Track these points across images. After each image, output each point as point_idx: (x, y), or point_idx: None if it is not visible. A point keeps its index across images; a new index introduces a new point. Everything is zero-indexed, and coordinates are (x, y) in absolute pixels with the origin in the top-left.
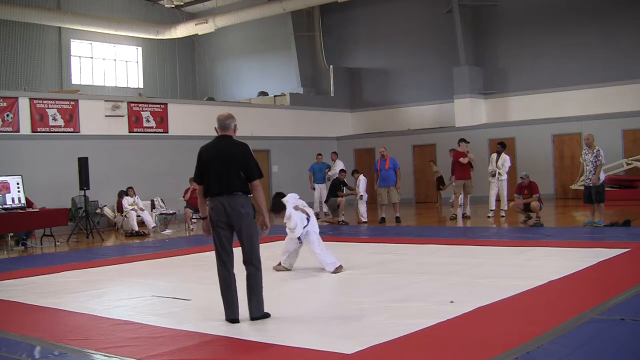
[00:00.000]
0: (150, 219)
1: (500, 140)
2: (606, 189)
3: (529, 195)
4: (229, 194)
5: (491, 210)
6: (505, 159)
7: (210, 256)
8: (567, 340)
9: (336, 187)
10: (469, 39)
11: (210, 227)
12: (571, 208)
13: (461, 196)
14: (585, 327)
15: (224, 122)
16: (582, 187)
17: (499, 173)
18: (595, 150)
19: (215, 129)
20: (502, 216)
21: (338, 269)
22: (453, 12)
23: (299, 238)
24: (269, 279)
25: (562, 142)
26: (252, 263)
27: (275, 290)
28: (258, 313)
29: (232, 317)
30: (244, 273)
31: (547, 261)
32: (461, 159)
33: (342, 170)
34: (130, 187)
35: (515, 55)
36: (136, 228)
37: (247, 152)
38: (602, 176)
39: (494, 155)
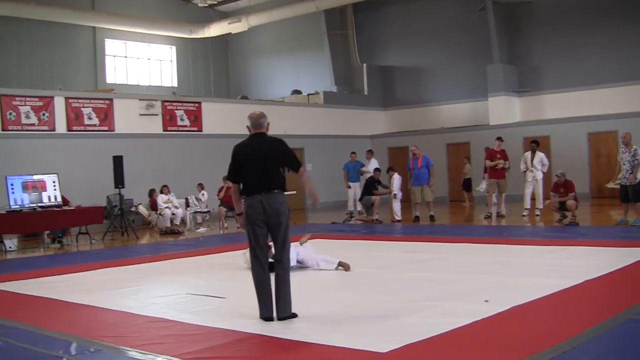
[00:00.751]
0: (181, 217)
1: (535, 138)
2: None
3: (565, 194)
4: (267, 191)
5: (526, 209)
6: (541, 156)
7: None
8: (602, 340)
9: (371, 185)
10: (502, 36)
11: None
12: (607, 207)
13: (495, 195)
14: (621, 328)
15: (258, 121)
16: (619, 186)
17: (533, 171)
18: (632, 150)
19: (248, 127)
20: (537, 215)
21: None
22: (486, 9)
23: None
24: (302, 278)
25: (597, 141)
26: (282, 262)
27: (309, 289)
28: (286, 313)
29: (267, 315)
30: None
31: (582, 260)
32: (487, 162)
33: (377, 169)
34: (165, 185)
35: (549, 52)
36: (169, 224)
37: (285, 146)
38: (638, 176)
39: (528, 154)
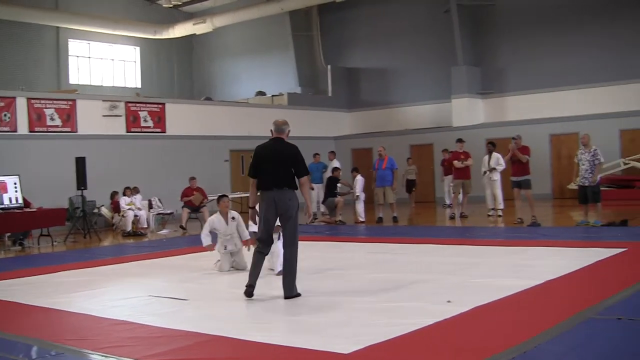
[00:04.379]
0: (144, 219)
1: (493, 140)
2: (604, 188)
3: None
4: (279, 188)
5: (491, 209)
6: (497, 157)
7: (206, 256)
8: (564, 339)
9: (332, 185)
10: (466, 38)
11: (256, 215)
12: (568, 208)
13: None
14: (582, 327)
15: (281, 127)
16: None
17: (490, 172)
18: (592, 150)
19: (271, 131)
20: (500, 216)
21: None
22: (451, 11)
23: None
24: (264, 281)
25: (559, 142)
26: (292, 246)
27: (272, 290)
28: (291, 293)
29: (251, 283)
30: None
31: (544, 261)
32: (455, 162)
33: (336, 168)
34: (127, 187)
35: (513, 55)
36: (129, 228)
37: (298, 153)
38: (598, 177)
39: (486, 157)
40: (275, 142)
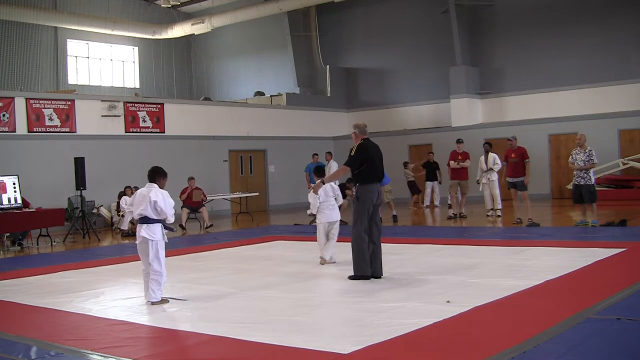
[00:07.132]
0: None
1: (490, 140)
2: (603, 188)
3: (517, 159)
4: (379, 181)
5: (490, 209)
6: (494, 157)
7: (205, 256)
8: (563, 339)
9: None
10: (465, 38)
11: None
12: (567, 208)
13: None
14: (581, 327)
15: (365, 129)
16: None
17: (488, 172)
18: (587, 151)
19: (355, 133)
20: (499, 216)
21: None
22: (449, 12)
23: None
24: (265, 279)
25: (558, 142)
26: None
27: (272, 289)
28: (381, 273)
29: (369, 273)
30: None
31: (543, 261)
32: (451, 162)
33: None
34: (128, 187)
35: (511, 55)
36: (126, 227)
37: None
38: (593, 177)
39: (482, 157)
40: (369, 142)
